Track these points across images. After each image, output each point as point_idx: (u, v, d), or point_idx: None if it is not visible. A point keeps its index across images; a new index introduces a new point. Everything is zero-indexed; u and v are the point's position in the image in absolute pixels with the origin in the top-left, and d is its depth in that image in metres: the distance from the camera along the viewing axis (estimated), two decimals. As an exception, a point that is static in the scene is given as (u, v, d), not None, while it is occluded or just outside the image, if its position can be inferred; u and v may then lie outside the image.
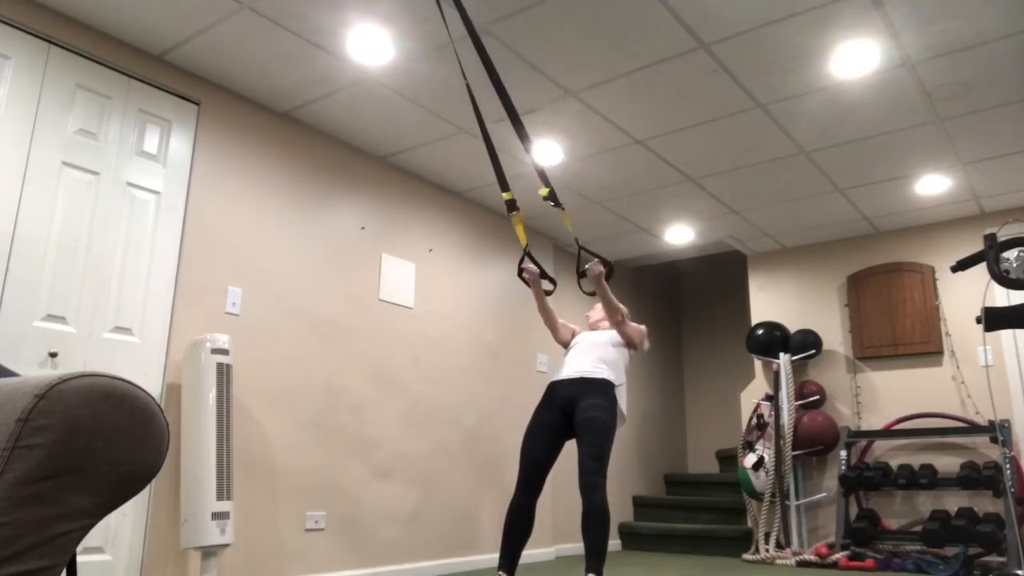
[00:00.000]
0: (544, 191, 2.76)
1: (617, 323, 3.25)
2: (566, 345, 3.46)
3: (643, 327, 3.42)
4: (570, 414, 3.10)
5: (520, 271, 3.31)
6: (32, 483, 0.85)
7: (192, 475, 2.95)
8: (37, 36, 2.93)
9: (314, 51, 3.25)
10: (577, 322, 5.26)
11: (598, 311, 3.55)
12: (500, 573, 2.92)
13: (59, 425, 0.88)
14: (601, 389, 3.09)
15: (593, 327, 3.55)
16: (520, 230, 2.84)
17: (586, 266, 3.14)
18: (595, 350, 3.25)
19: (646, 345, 3.41)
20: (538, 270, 3.26)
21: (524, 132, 2.61)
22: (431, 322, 4.51)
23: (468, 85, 2.69)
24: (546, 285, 3.32)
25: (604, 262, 3.12)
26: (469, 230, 4.93)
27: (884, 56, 3.23)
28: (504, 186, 2.72)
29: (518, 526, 2.99)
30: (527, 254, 3.09)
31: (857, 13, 2.94)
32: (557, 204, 2.78)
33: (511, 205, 2.76)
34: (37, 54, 2.93)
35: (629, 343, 3.31)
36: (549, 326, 3.47)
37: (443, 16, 2.60)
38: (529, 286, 3.33)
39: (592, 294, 3.24)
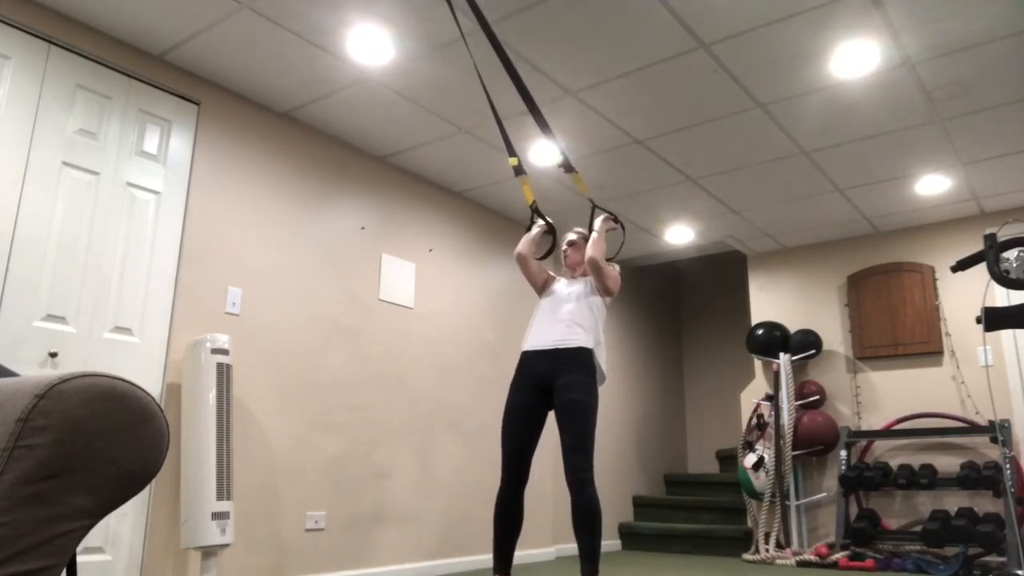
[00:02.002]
0: (559, 162, 3.02)
1: (596, 264, 3.01)
2: (539, 289, 3.21)
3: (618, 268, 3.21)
4: (547, 389, 2.94)
5: (529, 228, 3.20)
6: (32, 483, 0.85)
7: (192, 475, 2.95)
8: (37, 36, 2.93)
9: (314, 51, 3.25)
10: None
11: (576, 250, 3.25)
12: None
13: (59, 425, 0.88)
14: (578, 362, 2.90)
15: (570, 267, 3.26)
16: (527, 189, 2.98)
17: (599, 217, 3.12)
18: (568, 310, 3.02)
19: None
20: (546, 226, 3.18)
21: (538, 112, 2.76)
22: (431, 322, 4.51)
23: (468, 45, 2.83)
24: (546, 242, 3.24)
25: (615, 219, 3.16)
26: (469, 230, 4.93)
27: (884, 56, 3.23)
28: (511, 151, 2.90)
29: (508, 520, 2.91)
30: (534, 210, 3.12)
31: (857, 13, 2.94)
32: (570, 169, 3.00)
33: (518, 169, 2.93)
34: (37, 54, 2.93)
35: (606, 291, 3.09)
36: (525, 257, 3.16)
37: (452, 9, 2.63)
38: (528, 231, 3.17)
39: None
